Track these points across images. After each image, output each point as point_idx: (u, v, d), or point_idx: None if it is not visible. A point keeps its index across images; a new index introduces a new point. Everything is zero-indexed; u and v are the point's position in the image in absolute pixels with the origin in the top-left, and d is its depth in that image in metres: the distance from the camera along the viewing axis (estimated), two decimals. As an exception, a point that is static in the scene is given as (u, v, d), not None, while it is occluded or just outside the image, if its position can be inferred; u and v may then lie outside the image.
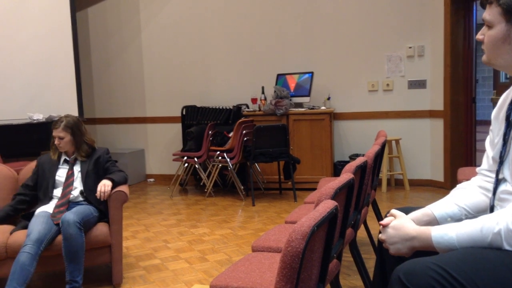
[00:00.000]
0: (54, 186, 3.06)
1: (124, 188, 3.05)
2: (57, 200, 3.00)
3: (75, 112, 5.66)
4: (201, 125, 5.85)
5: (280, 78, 5.91)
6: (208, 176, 5.66)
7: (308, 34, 5.94)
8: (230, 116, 5.86)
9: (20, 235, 2.81)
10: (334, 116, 5.80)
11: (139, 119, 6.75)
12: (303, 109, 5.62)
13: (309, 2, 5.90)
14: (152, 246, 3.81)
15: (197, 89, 6.42)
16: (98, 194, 2.96)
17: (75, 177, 3.09)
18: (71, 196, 3.02)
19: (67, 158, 3.14)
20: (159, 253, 3.63)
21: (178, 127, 6.38)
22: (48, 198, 3.02)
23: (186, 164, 5.73)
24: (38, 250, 2.67)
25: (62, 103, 5.58)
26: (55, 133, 3.05)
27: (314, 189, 4.08)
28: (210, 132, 5.51)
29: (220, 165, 5.43)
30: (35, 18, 5.45)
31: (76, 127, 3.09)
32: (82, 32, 6.53)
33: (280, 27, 6.03)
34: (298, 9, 5.95)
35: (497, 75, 11.13)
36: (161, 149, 6.68)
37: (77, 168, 3.11)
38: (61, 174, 3.08)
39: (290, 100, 5.64)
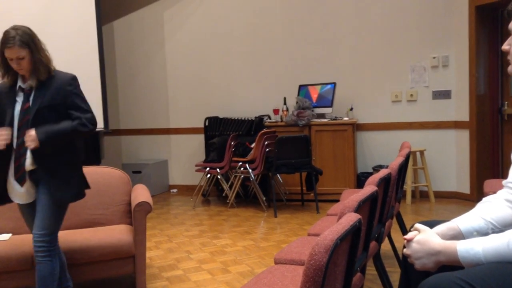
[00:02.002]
0: (12, 123, 2.42)
1: (148, 198, 3.08)
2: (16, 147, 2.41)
3: (100, 124, 5.77)
4: (224, 136, 5.89)
5: (302, 89, 5.91)
6: (230, 187, 5.68)
7: (330, 44, 5.94)
8: (252, 127, 5.89)
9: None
10: (357, 127, 5.77)
11: (163, 130, 6.83)
12: (325, 120, 5.60)
13: (331, 12, 5.91)
14: (175, 257, 3.83)
15: (219, 100, 6.47)
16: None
17: (31, 115, 2.41)
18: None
19: (22, 86, 2.45)
20: (182, 264, 3.65)
21: (200, 138, 6.44)
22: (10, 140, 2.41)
23: (208, 175, 5.76)
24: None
25: (88, 114, 5.69)
26: (11, 53, 2.33)
27: (337, 200, 4.05)
28: (232, 143, 5.53)
29: (242, 176, 5.44)
30: (62, 32, 5.59)
31: (32, 40, 2.40)
32: (107, 45, 6.68)
33: (302, 38, 6.05)
34: (320, 20, 5.96)
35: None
36: (184, 160, 6.74)
37: (31, 101, 2.43)
38: (18, 107, 2.43)
39: (312, 111, 5.63)
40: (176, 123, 6.77)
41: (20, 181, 2.44)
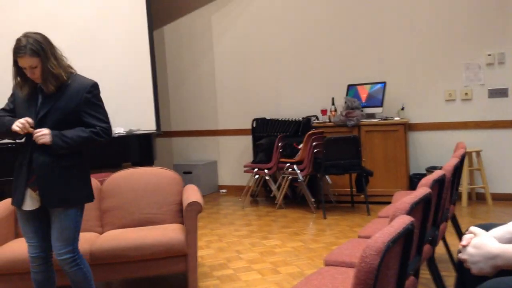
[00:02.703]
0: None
1: (199, 198, 3.15)
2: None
3: (152, 126, 5.95)
4: (271, 137, 5.91)
5: (351, 88, 5.84)
6: (278, 188, 5.69)
7: (380, 42, 5.83)
8: (300, 128, 5.87)
9: (109, 239, 2.99)
10: (409, 127, 5.62)
11: (212, 131, 6.95)
12: (375, 120, 5.50)
13: (380, 9, 5.80)
14: (225, 256, 3.89)
15: (267, 101, 6.50)
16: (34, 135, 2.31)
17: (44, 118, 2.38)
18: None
19: (42, 87, 2.39)
20: (232, 264, 3.70)
21: (248, 139, 6.49)
22: (27, 142, 2.41)
23: (256, 176, 5.80)
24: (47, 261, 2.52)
25: (140, 117, 5.89)
26: (23, 62, 2.27)
27: (388, 202, 3.97)
28: (279, 144, 5.55)
29: (290, 177, 5.44)
30: (114, 37, 5.81)
31: (43, 49, 2.29)
32: (158, 50, 6.87)
33: (350, 37, 5.97)
34: (369, 18, 5.87)
35: None
36: (233, 160, 6.82)
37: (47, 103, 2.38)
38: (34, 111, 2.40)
39: (362, 111, 5.55)
40: (224, 124, 6.87)
41: (33, 186, 2.37)
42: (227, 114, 6.82)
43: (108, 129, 2.47)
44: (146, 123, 5.87)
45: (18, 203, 2.39)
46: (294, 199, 5.99)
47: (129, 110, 5.84)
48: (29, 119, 2.31)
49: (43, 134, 2.30)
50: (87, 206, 3.33)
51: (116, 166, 5.17)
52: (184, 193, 3.46)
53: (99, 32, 5.75)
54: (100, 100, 2.48)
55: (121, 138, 5.28)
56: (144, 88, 5.96)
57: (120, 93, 5.83)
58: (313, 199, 5.43)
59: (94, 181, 3.49)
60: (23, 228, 2.47)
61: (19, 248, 2.90)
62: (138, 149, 5.36)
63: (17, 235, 3.23)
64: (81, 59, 5.71)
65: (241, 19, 6.60)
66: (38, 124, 2.35)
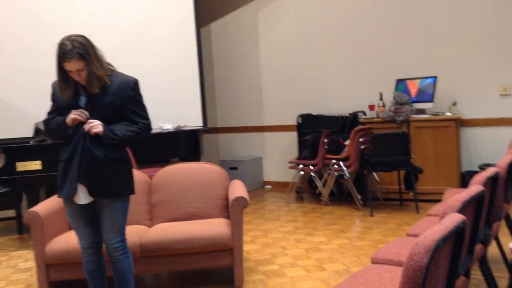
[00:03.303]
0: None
1: (244, 194, 3.18)
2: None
3: (199, 122, 6.05)
4: (317, 133, 5.86)
5: (400, 83, 5.69)
6: (324, 184, 5.65)
7: (430, 35, 5.65)
8: (346, 123, 5.79)
9: (158, 232, 3.08)
10: (461, 122, 5.42)
11: (257, 127, 6.98)
12: (425, 116, 5.34)
13: (430, 1, 5.61)
14: (271, 252, 3.91)
15: (312, 97, 6.46)
16: (86, 127, 2.39)
17: (92, 116, 2.44)
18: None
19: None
20: (277, 259, 3.71)
21: (294, 135, 6.47)
22: (72, 138, 2.45)
23: (302, 172, 5.78)
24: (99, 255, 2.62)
25: (188, 114, 6.00)
26: (70, 66, 2.32)
27: (438, 200, 3.85)
28: (325, 140, 5.49)
29: (336, 174, 5.38)
30: (162, 35, 5.94)
31: (87, 52, 2.34)
32: (205, 47, 6.96)
33: (399, 30, 5.82)
34: (418, 9, 5.69)
35: None
36: (278, 156, 6.82)
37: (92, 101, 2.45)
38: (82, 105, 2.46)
39: (411, 106, 5.40)
40: (269, 120, 6.88)
41: (82, 181, 2.42)
42: (273, 110, 6.83)
43: (149, 126, 2.55)
44: (193, 120, 5.99)
45: (70, 195, 2.43)
46: (340, 196, 5.92)
47: (177, 106, 5.97)
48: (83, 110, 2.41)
49: (96, 124, 2.38)
50: (138, 199, 3.45)
51: (164, 161, 5.30)
52: (230, 188, 3.50)
53: (148, 30, 5.90)
54: (141, 96, 2.55)
55: (169, 134, 5.40)
56: (191, 85, 6.08)
57: (168, 90, 5.97)
58: (359, 196, 5.35)
59: (144, 176, 3.60)
60: (73, 221, 2.54)
61: (72, 239, 3.03)
62: (186, 145, 5.48)
63: (70, 227, 3.38)
64: (130, 56, 5.92)
65: (288, 15, 6.58)
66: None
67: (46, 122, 2.56)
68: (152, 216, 3.48)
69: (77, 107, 2.43)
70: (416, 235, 2.54)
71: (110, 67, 2.50)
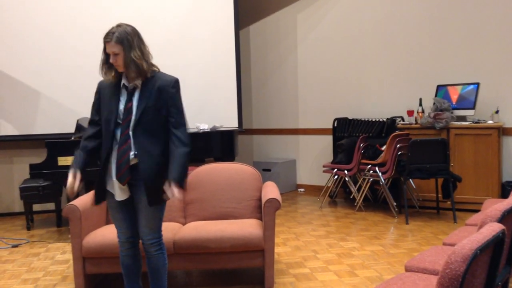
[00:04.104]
0: (116, 122, 2.45)
1: (277, 196, 3.17)
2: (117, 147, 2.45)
3: (235, 123, 6.09)
4: (352, 137, 5.79)
5: (441, 89, 5.56)
6: (358, 190, 5.57)
7: (473, 41, 5.49)
8: (384, 128, 5.70)
9: (191, 230, 3.12)
10: (503, 131, 5.24)
11: (292, 130, 6.96)
12: (466, 123, 5.19)
13: (473, 5, 5.46)
14: (302, 255, 3.89)
15: (349, 101, 6.39)
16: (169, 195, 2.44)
17: (133, 113, 2.44)
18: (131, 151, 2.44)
19: (126, 84, 2.47)
20: (309, 263, 3.69)
21: (329, 139, 6.42)
22: (110, 137, 2.46)
23: (336, 176, 5.73)
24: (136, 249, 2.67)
25: (224, 114, 6.06)
26: (108, 48, 2.39)
27: (477, 210, 3.74)
28: (361, 144, 5.42)
29: (371, 179, 5.30)
30: (203, 37, 6.02)
31: (127, 39, 2.38)
32: (244, 49, 7.01)
33: (440, 34, 5.68)
34: (460, 14, 5.54)
35: None
36: (312, 160, 6.79)
37: (135, 100, 2.45)
38: (122, 106, 2.47)
39: (452, 112, 5.26)
40: (305, 123, 6.85)
41: (122, 180, 2.45)
42: (308, 113, 6.80)
43: (187, 135, 2.50)
44: (229, 120, 6.04)
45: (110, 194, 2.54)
46: (375, 202, 5.82)
47: (213, 107, 6.03)
48: (76, 184, 2.43)
49: (175, 193, 2.40)
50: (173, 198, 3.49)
51: (199, 160, 5.36)
52: (263, 189, 3.51)
53: (188, 32, 6.00)
54: (181, 97, 2.54)
55: (205, 134, 5.47)
56: (228, 87, 6.13)
57: (206, 90, 6.04)
58: (395, 203, 5.25)
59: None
60: (113, 215, 2.61)
61: (109, 234, 3.11)
62: (221, 145, 5.53)
63: (107, 222, 3.47)
64: (170, 57, 6.03)
65: (327, 18, 6.54)
66: (124, 119, 2.43)
67: (79, 147, 2.56)
68: (186, 214, 3.53)
69: (117, 110, 2.44)
70: (452, 245, 2.47)
71: (154, 68, 2.51)
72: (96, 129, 2.54)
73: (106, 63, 2.46)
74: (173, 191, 2.39)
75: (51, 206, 5.49)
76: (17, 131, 5.59)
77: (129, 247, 2.64)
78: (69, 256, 4.04)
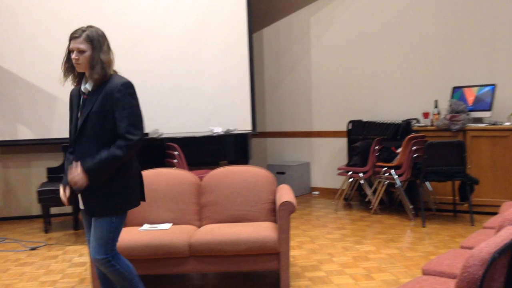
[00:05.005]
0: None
1: (292, 199, 3.17)
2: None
3: (248, 126, 6.11)
4: (367, 140, 5.76)
5: (457, 91, 5.50)
6: (374, 193, 5.54)
7: (489, 41, 5.42)
8: (399, 131, 5.66)
9: (206, 233, 3.13)
10: (521, 132, 5.16)
11: (306, 133, 6.95)
12: (483, 125, 5.13)
13: (489, 6, 5.39)
14: (317, 258, 3.87)
15: (364, 103, 6.36)
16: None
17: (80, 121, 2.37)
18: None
19: (82, 90, 2.40)
20: (324, 266, 3.67)
21: (343, 142, 6.40)
22: (73, 146, 2.43)
23: (351, 179, 5.70)
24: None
25: (237, 117, 6.08)
26: (74, 44, 2.30)
27: (495, 213, 3.68)
28: (376, 147, 5.39)
29: (386, 182, 5.26)
30: (216, 40, 6.05)
31: (98, 40, 2.32)
32: (257, 52, 7.03)
33: (456, 35, 5.63)
34: (476, 15, 5.48)
35: None
36: (326, 163, 6.76)
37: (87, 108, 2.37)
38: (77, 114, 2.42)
39: (468, 114, 5.20)
40: (319, 126, 6.83)
41: (76, 191, 2.41)
42: (322, 116, 6.78)
43: (133, 136, 2.31)
44: (242, 123, 6.05)
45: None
46: (390, 205, 5.78)
47: (227, 110, 6.05)
48: (65, 195, 2.42)
49: (75, 182, 2.30)
50: (188, 200, 3.52)
51: (213, 164, 5.39)
52: (277, 192, 3.51)
53: (201, 35, 6.03)
54: (131, 99, 2.34)
55: (219, 137, 5.49)
56: (241, 90, 6.15)
57: (219, 94, 6.07)
58: (411, 206, 5.20)
59: (194, 177, 3.67)
60: (85, 229, 2.58)
61: (126, 236, 3.14)
62: (235, 148, 5.54)
63: (124, 224, 3.50)
64: (184, 61, 6.07)
65: (341, 20, 6.52)
66: (79, 131, 2.37)
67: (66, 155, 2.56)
68: (201, 216, 3.55)
69: (76, 119, 2.40)
70: (470, 248, 2.44)
71: (114, 71, 2.43)
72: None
73: (67, 62, 2.38)
74: (74, 171, 2.27)
75: (68, 209, 5.57)
76: (34, 135, 5.68)
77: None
78: (86, 258, 4.08)
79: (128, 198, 2.45)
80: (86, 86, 2.37)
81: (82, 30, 2.31)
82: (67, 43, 2.37)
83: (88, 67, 2.32)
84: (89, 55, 2.30)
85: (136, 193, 2.50)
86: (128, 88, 2.34)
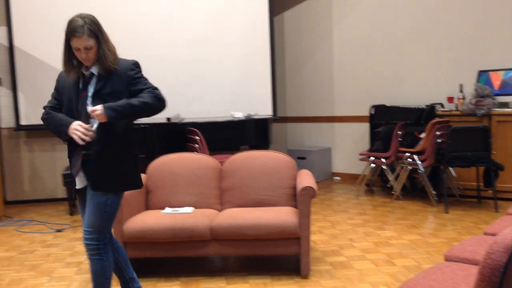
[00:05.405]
0: (76, 111, 2.34)
1: (312, 184, 3.17)
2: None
3: (269, 111, 6.09)
4: (390, 124, 5.68)
5: (482, 75, 5.37)
6: (396, 178, 5.48)
7: (519, 24, 5.26)
8: (422, 116, 5.57)
9: (227, 217, 3.16)
10: (549, 117, 5.02)
11: (327, 118, 6.90)
12: (509, 110, 5.00)
13: (521, -12, 5.22)
14: (338, 243, 3.87)
15: (387, 87, 6.26)
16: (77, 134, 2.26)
17: (88, 102, 2.32)
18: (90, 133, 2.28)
19: (84, 72, 2.35)
20: (345, 251, 3.67)
21: (365, 127, 6.33)
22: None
23: (373, 165, 5.65)
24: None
25: (258, 102, 6.06)
26: (79, 43, 2.21)
27: (521, 199, 3.62)
28: (399, 132, 5.32)
29: (409, 167, 5.20)
30: (237, 24, 6.02)
31: (100, 30, 2.27)
32: (278, 36, 6.96)
33: (482, 18, 5.47)
34: (507, -3, 5.31)
35: None
36: (348, 148, 6.71)
37: (92, 88, 2.33)
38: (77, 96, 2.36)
39: (494, 99, 5.08)
40: (340, 111, 6.77)
41: (74, 171, 2.38)
42: (344, 101, 6.72)
43: (161, 94, 2.36)
44: (263, 108, 6.04)
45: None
46: (413, 191, 5.72)
47: (247, 95, 6.04)
48: (84, 125, 2.27)
49: (97, 115, 2.23)
50: (209, 184, 3.55)
51: (234, 148, 5.40)
52: (298, 177, 3.51)
53: (222, 20, 6.00)
54: (143, 76, 2.39)
55: (239, 122, 5.49)
56: (262, 74, 6.12)
57: (240, 79, 6.06)
58: (434, 192, 5.14)
59: (215, 162, 3.69)
60: (80, 213, 2.51)
61: (148, 219, 3.19)
62: (255, 133, 5.54)
63: (147, 207, 3.56)
64: (205, 46, 6.06)
65: (363, 2, 6.40)
66: (80, 109, 2.32)
67: (44, 113, 2.43)
68: (222, 201, 3.58)
69: (77, 99, 2.33)
70: (494, 234, 2.41)
71: (117, 55, 2.38)
72: (56, 106, 2.43)
73: (70, 61, 2.29)
74: (94, 109, 2.23)
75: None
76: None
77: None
78: (110, 241, 4.17)
79: (138, 177, 2.50)
80: (92, 70, 2.32)
81: (80, 25, 2.19)
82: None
83: (97, 59, 2.28)
84: (96, 49, 2.26)
85: (140, 176, 2.53)
86: (138, 67, 2.39)
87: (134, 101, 2.28)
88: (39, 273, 3.45)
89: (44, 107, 2.45)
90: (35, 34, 5.70)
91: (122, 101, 2.27)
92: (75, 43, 2.22)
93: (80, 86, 2.34)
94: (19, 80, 5.76)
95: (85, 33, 2.19)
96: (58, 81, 2.45)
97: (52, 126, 2.38)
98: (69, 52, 2.29)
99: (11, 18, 5.67)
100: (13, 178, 5.95)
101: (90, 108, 2.27)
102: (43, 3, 5.67)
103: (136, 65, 2.37)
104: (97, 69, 2.31)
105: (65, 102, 2.38)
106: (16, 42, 5.70)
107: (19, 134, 5.92)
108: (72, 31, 2.20)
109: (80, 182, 2.40)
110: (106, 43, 2.28)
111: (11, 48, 5.69)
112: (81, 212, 2.51)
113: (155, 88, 2.36)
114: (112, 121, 2.26)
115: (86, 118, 2.30)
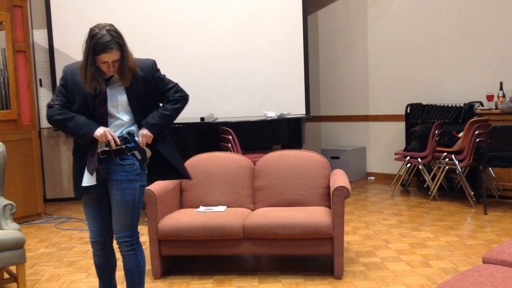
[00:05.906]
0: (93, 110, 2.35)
1: (346, 184, 3.13)
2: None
3: (302, 110, 6.06)
4: (427, 124, 5.56)
5: (524, 71, 5.17)
6: (433, 178, 5.35)
7: None
8: (461, 114, 5.41)
9: (260, 216, 3.17)
10: None
11: (362, 117, 6.81)
12: (553, 107, 4.80)
13: None
14: (372, 244, 3.82)
15: (423, 86, 6.12)
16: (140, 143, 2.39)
17: (109, 105, 2.35)
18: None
19: (102, 74, 2.34)
20: (379, 252, 3.61)
21: (401, 126, 6.21)
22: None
23: (408, 164, 5.53)
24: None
25: (291, 101, 6.04)
26: (109, 57, 2.22)
27: None
28: (436, 131, 5.19)
29: (446, 167, 5.07)
30: (270, 23, 6.01)
31: (124, 42, 2.27)
32: (311, 35, 6.92)
33: (526, 14, 5.27)
34: (551, -9, 5.10)
35: None
36: (383, 147, 6.60)
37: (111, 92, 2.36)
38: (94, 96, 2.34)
39: (537, 96, 4.89)
40: (375, 110, 6.67)
41: (90, 170, 2.36)
42: (379, 100, 6.61)
43: (184, 91, 2.50)
44: (296, 107, 6.01)
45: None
46: (450, 192, 5.57)
47: (281, 94, 6.03)
48: (114, 135, 2.32)
49: (149, 137, 2.39)
50: (242, 183, 3.56)
51: (267, 148, 5.41)
52: (331, 177, 3.47)
53: (256, 18, 6.01)
54: (163, 75, 2.49)
55: (272, 121, 5.49)
56: (296, 73, 6.10)
57: (274, 77, 6.05)
58: (472, 193, 4.99)
59: (248, 161, 3.69)
60: (87, 213, 2.49)
61: (182, 217, 3.23)
62: (288, 133, 5.53)
63: (181, 206, 3.61)
64: (239, 45, 6.09)
65: (399, 1, 6.28)
66: (98, 110, 2.34)
67: (58, 112, 2.35)
68: (255, 200, 3.58)
69: (94, 100, 2.32)
70: (537, 237, 2.32)
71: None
72: (65, 104, 2.38)
73: (95, 78, 2.26)
74: (143, 134, 2.36)
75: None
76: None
77: (100, 248, 2.54)
78: (145, 238, 4.22)
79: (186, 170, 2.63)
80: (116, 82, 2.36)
81: (110, 40, 2.18)
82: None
83: (120, 69, 2.29)
84: (121, 60, 2.26)
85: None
86: (157, 65, 2.47)
87: (168, 110, 2.43)
88: (77, 269, 3.55)
89: (51, 105, 2.37)
90: (73, 36, 5.85)
91: (158, 114, 2.41)
92: (104, 57, 2.21)
93: (98, 87, 2.31)
94: (58, 81, 5.93)
95: (114, 48, 2.21)
96: (65, 77, 2.40)
97: (75, 126, 2.33)
98: (95, 68, 2.26)
99: (51, 21, 5.85)
100: (53, 177, 6.14)
101: (140, 139, 2.38)
102: (80, 5, 5.80)
103: (156, 65, 2.46)
104: (120, 80, 2.33)
105: (78, 100, 2.34)
106: (56, 44, 5.87)
107: (59, 134, 6.11)
108: (103, 47, 2.19)
109: (88, 180, 2.38)
110: (128, 54, 2.30)
111: (51, 50, 5.87)
112: (84, 210, 2.50)
113: (177, 85, 2.50)
114: (159, 136, 2.43)
115: (103, 120, 2.35)
